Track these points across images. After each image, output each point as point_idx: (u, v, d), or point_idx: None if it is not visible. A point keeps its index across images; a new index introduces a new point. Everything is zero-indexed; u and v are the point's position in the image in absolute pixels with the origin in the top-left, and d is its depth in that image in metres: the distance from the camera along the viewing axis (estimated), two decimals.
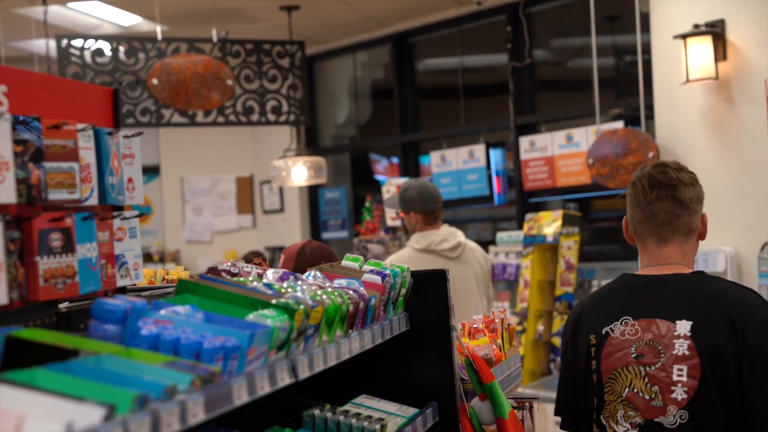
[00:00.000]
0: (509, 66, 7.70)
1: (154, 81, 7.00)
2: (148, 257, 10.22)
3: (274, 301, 1.90)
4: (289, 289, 2.08)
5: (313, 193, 9.83)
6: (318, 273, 2.42)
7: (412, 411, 2.63)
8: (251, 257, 6.83)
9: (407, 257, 4.87)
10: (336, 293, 2.16)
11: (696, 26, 5.58)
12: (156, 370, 1.51)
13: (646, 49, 6.19)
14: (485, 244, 6.94)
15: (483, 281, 5.09)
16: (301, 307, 1.90)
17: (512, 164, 7.79)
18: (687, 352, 2.40)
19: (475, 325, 3.19)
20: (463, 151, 7.94)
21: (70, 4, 7.29)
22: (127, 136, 2.22)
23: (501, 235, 7.30)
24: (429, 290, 2.80)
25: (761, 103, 5.33)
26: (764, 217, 5.42)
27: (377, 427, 2.30)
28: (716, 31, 5.54)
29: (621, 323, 2.52)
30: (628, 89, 7.01)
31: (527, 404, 3.15)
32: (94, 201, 2.04)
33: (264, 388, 1.74)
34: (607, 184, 6.22)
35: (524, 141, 7.43)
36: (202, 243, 10.42)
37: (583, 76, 7.29)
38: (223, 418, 1.75)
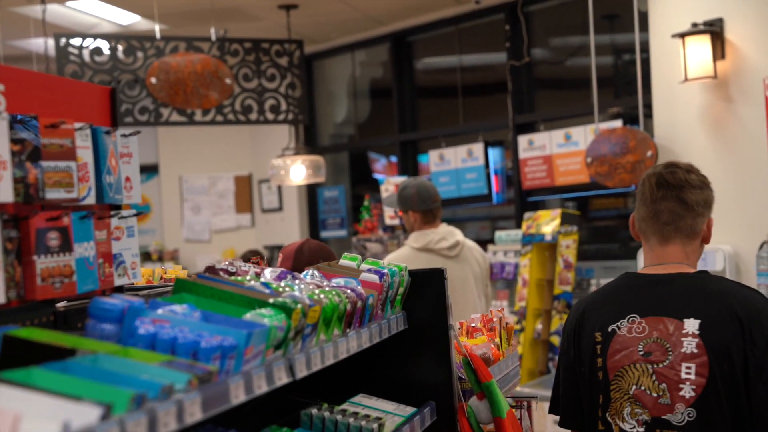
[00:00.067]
0: (508, 65, 7.70)
1: (153, 80, 6.99)
2: (146, 256, 10.22)
3: (271, 300, 1.89)
4: (287, 288, 2.08)
5: (311, 191, 9.83)
6: (316, 272, 2.42)
7: (409, 410, 2.63)
8: (249, 256, 6.83)
9: (405, 256, 4.86)
10: (334, 292, 2.16)
11: (694, 25, 5.58)
12: (153, 369, 1.51)
13: (645, 48, 6.19)
14: (484, 243, 6.94)
15: (481, 280, 5.09)
16: (299, 306, 1.90)
17: (511, 163, 7.80)
18: (695, 350, 2.41)
19: (473, 324, 3.19)
20: (462, 150, 7.94)
21: (68, 3, 7.29)
22: (124, 135, 2.22)
23: (499, 234, 7.31)
24: (427, 289, 2.80)
25: (760, 101, 5.33)
26: (763, 216, 5.42)
27: (375, 426, 2.30)
28: (715, 30, 5.54)
29: (628, 321, 2.53)
30: (626, 88, 7.01)
31: (525, 403, 3.15)
32: (91, 200, 2.04)
33: (261, 388, 1.74)
34: (605, 183, 6.23)
35: (523, 140, 7.43)
36: (200, 242, 10.42)
37: (581, 75, 7.29)
38: (221, 417, 1.75)
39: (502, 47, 7.82)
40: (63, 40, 6.88)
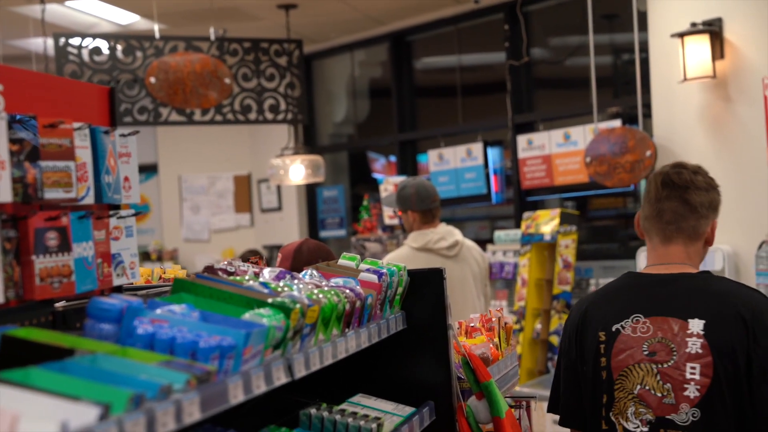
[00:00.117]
0: (507, 64, 7.70)
1: (152, 79, 6.99)
2: (146, 256, 10.22)
3: (270, 300, 1.89)
4: (286, 288, 2.08)
5: (310, 191, 9.83)
6: (314, 272, 2.42)
7: (408, 410, 2.63)
8: (248, 256, 6.83)
9: (404, 256, 4.86)
10: (332, 292, 2.16)
11: (693, 25, 5.59)
12: (151, 369, 1.50)
13: (644, 48, 6.20)
14: (483, 243, 6.95)
15: (480, 280, 5.09)
16: (298, 306, 1.90)
17: (510, 163, 7.80)
18: (700, 351, 2.42)
19: (472, 324, 3.19)
20: (461, 150, 7.94)
21: (67, 3, 7.29)
22: (123, 135, 2.22)
23: (499, 234, 7.31)
24: (426, 289, 2.79)
25: (759, 101, 5.33)
26: (762, 215, 5.42)
27: (374, 426, 2.30)
28: (714, 30, 5.54)
29: (632, 321, 2.54)
30: (625, 88, 7.01)
31: (524, 403, 3.15)
32: (90, 200, 2.04)
33: (260, 388, 1.74)
34: (604, 183, 6.23)
35: (522, 139, 7.43)
36: (199, 241, 10.42)
37: (580, 75, 7.29)
38: (219, 417, 1.75)
39: (502, 47, 7.82)
40: (62, 40, 6.88)
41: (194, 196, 10.41)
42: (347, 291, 2.25)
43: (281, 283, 2.14)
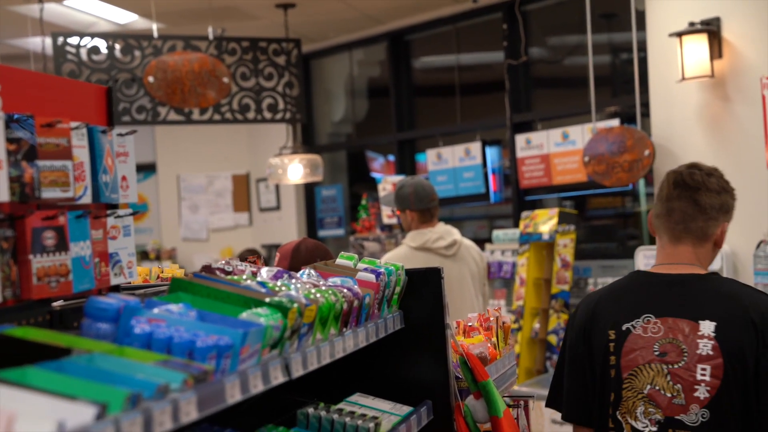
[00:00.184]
0: (505, 64, 7.70)
1: (150, 79, 6.99)
2: (144, 255, 10.22)
3: (267, 300, 1.89)
4: (283, 288, 2.08)
5: (309, 190, 9.83)
6: (312, 271, 2.42)
7: (406, 409, 2.63)
8: (246, 255, 6.83)
9: (403, 255, 4.86)
10: (330, 291, 2.16)
11: (692, 24, 5.59)
12: (148, 368, 1.51)
13: (642, 47, 6.20)
14: (481, 242, 6.95)
15: (479, 279, 5.09)
16: (295, 305, 1.90)
17: (508, 162, 7.80)
18: (711, 353, 2.45)
19: (469, 323, 3.19)
20: (459, 149, 7.94)
21: (66, 2, 7.28)
22: (121, 135, 2.22)
23: (497, 233, 7.31)
24: (424, 288, 2.80)
25: (757, 100, 5.33)
26: (760, 215, 5.42)
27: (371, 425, 2.30)
28: (712, 29, 5.54)
29: (643, 321, 2.55)
30: (623, 87, 7.01)
31: (522, 402, 3.15)
32: (87, 199, 2.04)
33: (257, 387, 1.74)
34: (603, 182, 6.23)
35: (520, 139, 7.43)
36: (198, 241, 10.42)
37: (579, 74, 7.29)
38: (217, 416, 1.75)
39: (500, 46, 7.81)
40: (60, 39, 6.88)
41: (193, 196, 10.41)
42: (345, 290, 2.25)
43: (279, 283, 2.14)
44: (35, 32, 7.22)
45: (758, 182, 5.45)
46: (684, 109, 5.83)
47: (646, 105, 6.18)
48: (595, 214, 7.89)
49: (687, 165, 2.69)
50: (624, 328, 2.57)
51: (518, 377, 6.02)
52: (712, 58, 5.54)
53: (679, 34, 5.60)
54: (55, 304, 1.93)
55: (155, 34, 7.17)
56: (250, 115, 7.51)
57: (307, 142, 9.31)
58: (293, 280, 2.25)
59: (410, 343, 2.80)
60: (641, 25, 6.17)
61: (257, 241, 10.06)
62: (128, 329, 1.66)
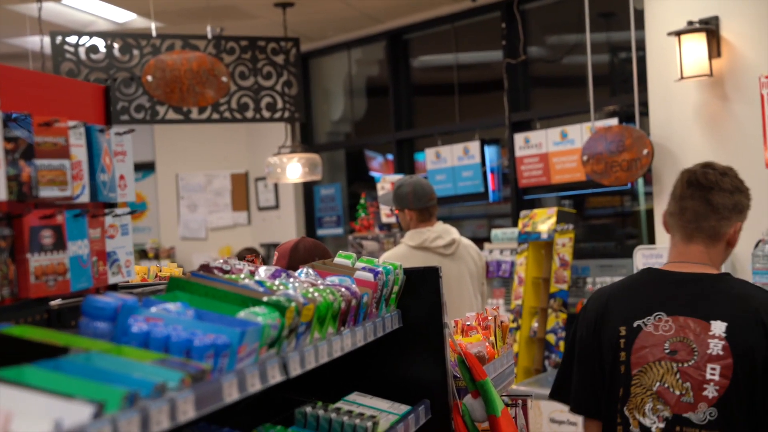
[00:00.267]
0: (504, 63, 7.70)
1: (149, 78, 6.99)
2: (143, 254, 10.21)
3: (265, 299, 1.89)
4: (281, 287, 2.08)
5: (308, 189, 9.83)
6: (310, 270, 2.42)
7: (404, 408, 2.63)
8: (245, 254, 6.83)
9: (401, 254, 4.86)
10: (328, 290, 2.16)
11: (690, 23, 5.59)
12: (146, 367, 1.51)
13: (641, 46, 6.20)
14: (480, 241, 6.95)
15: (477, 278, 5.09)
16: (293, 304, 1.90)
17: (507, 161, 7.80)
18: (721, 352, 2.47)
19: (468, 323, 3.20)
20: (458, 148, 7.94)
21: (64, 1, 7.28)
22: (118, 134, 2.22)
23: (496, 232, 7.31)
24: (422, 287, 2.80)
25: (755, 99, 5.33)
26: (759, 214, 5.39)
27: (369, 424, 2.30)
28: (710, 28, 5.54)
29: (654, 318, 2.57)
30: (622, 86, 7.02)
31: (520, 401, 3.15)
32: (85, 198, 2.04)
33: (255, 386, 1.74)
34: (601, 181, 6.23)
35: (519, 138, 7.44)
36: (197, 240, 10.41)
37: (577, 73, 7.29)
38: (214, 415, 1.75)
39: (499, 45, 7.82)
40: (59, 38, 6.87)
41: (191, 194, 10.41)
42: (343, 289, 2.25)
43: (277, 282, 2.14)
44: (34, 31, 7.21)
45: (757, 181, 5.42)
46: (683, 108, 5.83)
47: (644, 104, 6.18)
48: (594, 214, 7.90)
49: (701, 164, 2.70)
50: (635, 325, 2.59)
51: (516, 376, 6.02)
52: (710, 57, 5.54)
53: (678, 33, 5.60)
54: (52, 302, 1.93)
55: (154, 33, 7.17)
56: (249, 114, 7.50)
57: (305, 141, 9.31)
58: (291, 279, 2.25)
59: (408, 342, 2.80)
60: (640, 24, 6.17)
61: (256, 240, 10.06)
62: (126, 328, 1.66)
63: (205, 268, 2.21)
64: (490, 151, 7.89)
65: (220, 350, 1.64)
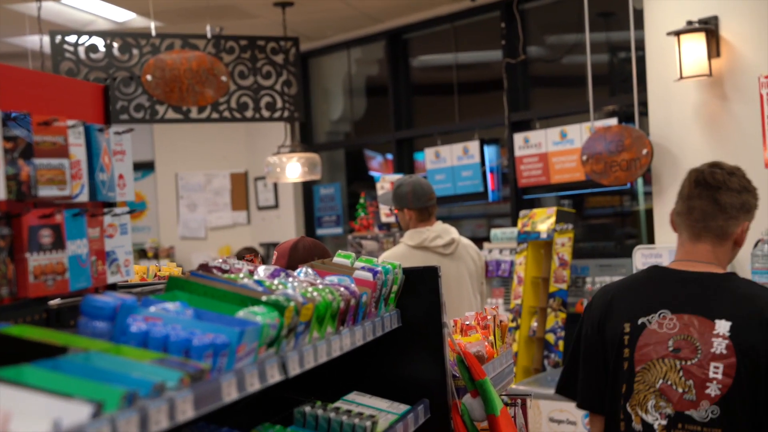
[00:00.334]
0: (503, 62, 7.70)
1: (148, 77, 6.99)
2: (142, 253, 10.21)
3: (264, 298, 1.89)
4: (280, 286, 2.08)
5: (307, 189, 9.82)
6: (309, 270, 2.42)
7: (403, 408, 2.63)
8: (244, 253, 6.83)
9: (401, 254, 4.86)
10: (327, 290, 2.16)
11: (689, 23, 5.59)
12: (145, 367, 1.50)
13: (640, 46, 6.19)
14: (479, 241, 6.95)
15: (476, 278, 5.09)
16: (292, 304, 1.90)
17: (506, 161, 7.80)
18: (725, 351, 2.48)
19: (467, 322, 3.20)
20: (458, 148, 7.94)
21: (64, 0, 7.28)
22: (117, 133, 2.22)
23: (495, 232, 7.31)
24: (421, 287, 2.80)
25: (755, 99, 5.33)
26: (758, 214, 5.41)
27: (368, 424, 2.30)
28: (710, 28, 5.54)
29: (659, 316, 2.58)
30: (621, 86, 7.01)
31: (519, 401, 3.15)
32: (84, 197, 2.04)
33: (254, 385, 1.74)
34: (601, 181, 6.23)
35: (518, 137, 7.43)
36: (196, 239, 10.41)
37: (577, 73, 7.29)
38: (213, 415, 1.75)
39: (498, 45, 7.82)
40: (58, 38, 6.87)
41: (191, 194, 10.40)
42: (342, 289, 2.25)
43: (276, 281, 2.14)
44: (33, 30, 7.21)
45: (756, 181, 5.40)
46: (682, 107, 5.83)
47: (644, 104, 6.18)
48: (593, 213, 7.90)
49: (709, 164, 2.71)
50: (639, 322, 2.60)
51: (516, 376, 6.02)
52: (710, 56, 5.54)
53: (677, 33, 5.60)
54: (51, 302, 1.93)
55: (153, 33, 7.16)
56: (249, 113, 7.50)
57: (305, 140, 9.31)
58: (290, 279, 2.25)
59: (407, 341, 2.80)
60: (639, 23, 6.17)
61: (255, 240, 10.06)
62: (125, 328, 1.66)
63: (204, 267, 2.21)
64: (490, 151, 7.89)
65: (219, 350, 1.64)
